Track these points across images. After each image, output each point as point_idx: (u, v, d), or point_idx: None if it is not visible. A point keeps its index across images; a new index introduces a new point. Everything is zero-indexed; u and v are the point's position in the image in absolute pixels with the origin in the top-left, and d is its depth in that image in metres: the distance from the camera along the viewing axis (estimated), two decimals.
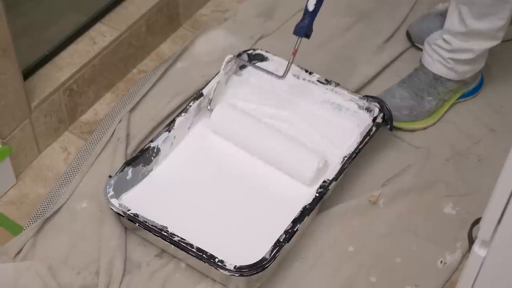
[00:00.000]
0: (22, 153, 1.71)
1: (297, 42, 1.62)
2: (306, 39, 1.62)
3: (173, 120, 1.70)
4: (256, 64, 1.78)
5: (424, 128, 1.81)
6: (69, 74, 1.76)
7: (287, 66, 1.65)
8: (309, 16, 1.60)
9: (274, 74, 1.69)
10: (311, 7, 1.59)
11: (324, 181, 1.58)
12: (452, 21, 1.69)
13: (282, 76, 1.67)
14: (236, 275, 1.44)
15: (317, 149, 1.68)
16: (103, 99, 1.89)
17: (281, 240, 1.48)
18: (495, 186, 0.92)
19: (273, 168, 1.68)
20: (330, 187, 1.57)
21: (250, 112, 1.76)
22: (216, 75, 1.76)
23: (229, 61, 1.76)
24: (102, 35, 1.85)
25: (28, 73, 1.72)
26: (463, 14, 1.65)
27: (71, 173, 1.72)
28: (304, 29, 1.60)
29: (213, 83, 1.75)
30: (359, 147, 1.64)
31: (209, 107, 1.75)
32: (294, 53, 1.63)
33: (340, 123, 1.75)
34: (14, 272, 1.53)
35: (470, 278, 1.03)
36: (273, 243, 1.47)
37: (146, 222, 1.51)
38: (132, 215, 1.52)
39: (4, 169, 1.66)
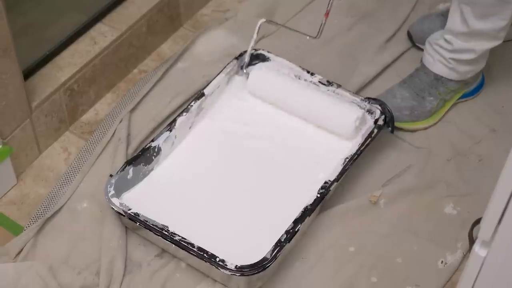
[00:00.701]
0: (23, 153, 1.71)
1: (329, 3, 1.65)
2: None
3: (174, 120, 1.70)
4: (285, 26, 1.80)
5: (425, 128, 1.81)
6: (69, 74, 1.76)
7: (321, 26, 1.68)
8: None
9: (308, 35, 1.71)
10: None
11: (325, 182, 1.57)
12: (453, 21, 1.68)
13: (317, 37, 1.69)
14: (237, 274, 1.44)
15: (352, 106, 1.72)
16: (104, 99, 1.89)
17: (282, 240, 1.48)
18: (496, 186, 0.92)
19: (275, 168, 1.68)
20: (331, 188, 1.57)
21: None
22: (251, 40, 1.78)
23: (260, 26, 1.77)
24: (103, 35, 1.85)
25: (28, 73, 1.72)
26: (465, 14, 1.65)
27: (71, 173, 1.72)
28: None
29: (250, 47, 1.78)
30: (360, 149, 1.63)
31: (245, 71, 1.80)
32: (327, 15, 1.66)
33: None
34: (15, 272, 1.53)
35: (470, 278, 1.03)
36: (274, 243, 1.47)
37: (146, 221, 1.51)
38: (132, 214, 1.52)
39: (5, 169, 1.66)
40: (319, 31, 1.68)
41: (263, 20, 1.76)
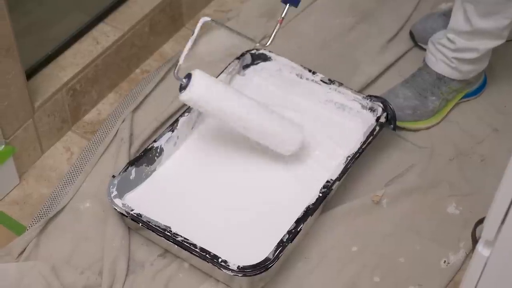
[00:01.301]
0: (25, 153, 1.71)
1: (284, 10, 1.60)
2: (294, 7, 1.60)
3: (177, 120, 1.70)
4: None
5: (428, 128, 1.81)
6: (72, 74, 1.76)
7: (272, 33, 1.61)
8: None
9: (254, 40, 1.62)
10: None
11: (327, 181, 1.57)
12: (457, 19, 1.68)
13: (267, 45, 1.62)
14: (239, 275, 1.44)
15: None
16: (106, 99, 1.89)
17: (285, 240, 1.47)
18: (499, 186, 0.92)
19: (277, 168, 1.68)
20: (333, 187, 1.57)
21: None
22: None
23: (203, 24, 1.59)
24: (105, 35, 1.85)
25: (31, 73, 1.72)
26: (468, 13, 1.64)
27: (74, 173, 1.72)
28: None
29: (187, 47, 1.54)
30: (363, 147, 1.63)
31: (176, 74, 1.53)
32: (281, 22, 1.60)
33: (344, 122, 1.75)
34: (17, 272, 1.53)
35: (473, 278, 1.03)
36: (277, 243, 1.47)
37: (149, 222, 1.51)
38: (135, 215, 1.52)
39: (7, 169, 1.66)
40: (270, 38, 1.60)
41: (207, 19, 1.60)
